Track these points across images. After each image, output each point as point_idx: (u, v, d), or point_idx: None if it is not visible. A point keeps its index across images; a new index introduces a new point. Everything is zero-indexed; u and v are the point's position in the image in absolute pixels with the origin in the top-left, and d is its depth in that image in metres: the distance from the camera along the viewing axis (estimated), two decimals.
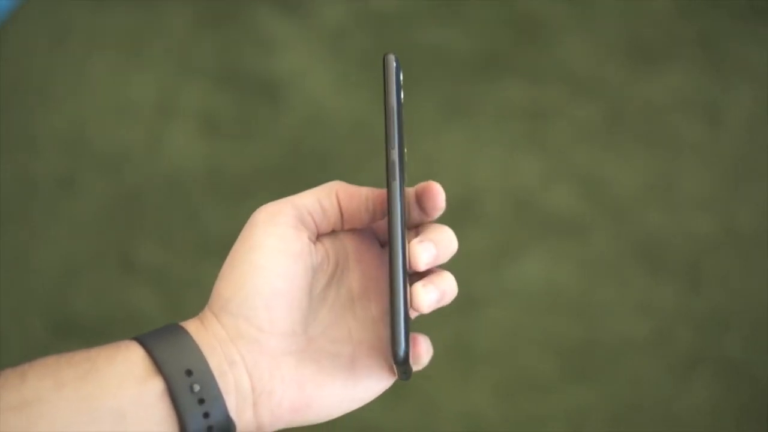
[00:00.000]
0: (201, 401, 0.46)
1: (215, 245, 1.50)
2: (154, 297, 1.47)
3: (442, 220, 0.53)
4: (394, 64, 0.50)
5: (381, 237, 0.54)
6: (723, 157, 1.63)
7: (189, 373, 0.46)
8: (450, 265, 0.52)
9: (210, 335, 0.48)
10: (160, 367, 0.46)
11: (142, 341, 0.47)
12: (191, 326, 0.48)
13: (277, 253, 0.49)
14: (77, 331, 1.45)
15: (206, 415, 0.46)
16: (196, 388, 0.46)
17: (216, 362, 0.47)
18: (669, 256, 1.53)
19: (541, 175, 1.60)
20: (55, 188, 1.57)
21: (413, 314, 0.50)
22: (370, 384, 0.50)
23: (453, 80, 1.71)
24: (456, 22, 1.77)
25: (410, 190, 0.52)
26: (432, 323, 1.48)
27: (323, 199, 0.51)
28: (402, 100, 0.51)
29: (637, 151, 1.64)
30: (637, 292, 1.50)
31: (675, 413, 1.40)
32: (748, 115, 1.68)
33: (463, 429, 1.39)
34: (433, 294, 0.49)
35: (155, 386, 0.46)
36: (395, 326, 0.47)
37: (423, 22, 1.77)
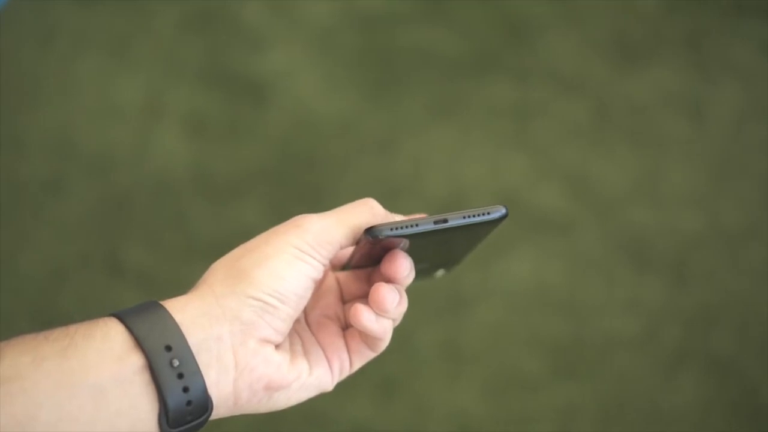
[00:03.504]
0: (180, 376, 0.47)
1: (203, 247, 1.50)
2: (142, 299, 1.46)
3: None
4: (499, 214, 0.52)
5: None
6: (709, 154, 1.64)
7: (168, 348, 0.47)
8: None
9: (197, 312, 0.49)
10: (140, 342, 0.47)
11: (121, 317, 0.48)
12: (176, 303, 0.50)
13: (308, 279, 0.51)
14: None
15: (186, 389, 0.47)
16: (176, 363, 0.47)
17: (201, 337, 0.48)
18: (656, 254, 1.54)
19: (528, 173, 1.60)
20: (42, 190, 1.56)
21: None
22: (329, 373, 0.54)
23: (440, 79, 1.71)
24: (443, 21, 1.77)
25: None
26: (421, 322, 1.48)
27: (352, 237, 0.53)
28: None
29: (624, 148, 1.64)
30: (624, 289, 1.50)
31: (663, 410, 1.40)
32: (735, 112, 1.68)
33: (453, 428, 1.39)
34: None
35: (135, 361, 0.47)
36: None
37: (410, 21, 1.77)
